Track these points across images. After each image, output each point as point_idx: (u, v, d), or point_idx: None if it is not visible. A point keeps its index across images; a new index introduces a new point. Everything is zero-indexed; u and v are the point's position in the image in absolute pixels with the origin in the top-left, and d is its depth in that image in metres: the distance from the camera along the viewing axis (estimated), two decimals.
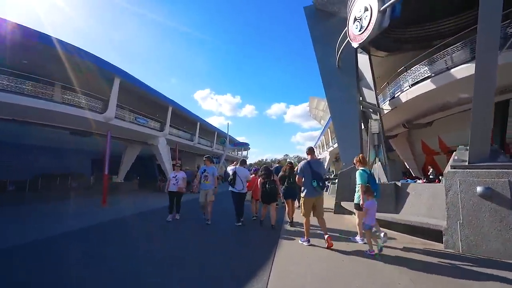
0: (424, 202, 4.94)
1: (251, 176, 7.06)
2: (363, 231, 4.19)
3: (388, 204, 5.52)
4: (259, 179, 6.49)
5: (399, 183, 5.67)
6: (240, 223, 6.16)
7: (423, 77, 8.07)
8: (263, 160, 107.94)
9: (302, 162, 4.58)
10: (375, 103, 9.13)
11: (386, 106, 10.23)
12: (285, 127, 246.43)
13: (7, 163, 16.60)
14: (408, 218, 4.83)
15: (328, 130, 28.68)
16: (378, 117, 8.77)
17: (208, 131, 29.02)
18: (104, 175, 10.11)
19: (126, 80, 13.69)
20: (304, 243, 4.38)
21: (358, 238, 4.56)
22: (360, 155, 4.78)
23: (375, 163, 6.11)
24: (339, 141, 8.83)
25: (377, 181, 4.54)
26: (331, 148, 29.52)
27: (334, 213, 7.70)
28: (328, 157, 32.90)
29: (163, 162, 17.62)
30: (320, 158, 41.77)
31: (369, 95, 9.27)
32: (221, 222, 6.77)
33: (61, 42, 10.51)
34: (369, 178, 4.25)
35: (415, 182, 7.60)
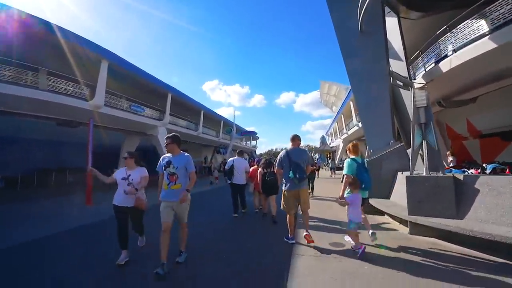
0: (509, 204, 3.31)
1: (253, 167, 6.82)
2: (348, 229, 3.60)
3: (444, 205, 3.92)
4: (260, 170, 6.11)
5: (460, 176, 4.03)
6: (236, 215, 6.09)
7: (475, 36, 6.21)
8: (272, 150, 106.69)
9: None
10: (406, 76, 7.37)
11: (418, 81, 8.41)
12: (295, 116, 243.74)
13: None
14: (482, 227, 3.24)
15: (342, 116, 26.78)
16: (410, 91, 7.05)
17: (214, 120, 27.56)
18: (88, 169, 8.76)
19: (116, 63, 12.26)
20: (288, 241, 3.98)
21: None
22: (352, 142, 4.32)
23: (423, 149, 4.49)
24: (365, 124, 7.15)
25: (368, 172, 3.94)
26: (345, 135, 27.66)
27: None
28: (341, 145, 31.05)
29: (164, 154, 16.32)
30: (333, 147, 40.17)
31: (397, 68, 7.50)
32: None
33: (39, 19, 9.12)
34: (359, 168, 3.79)
35: (463, 172, 5.93)
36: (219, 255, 3.61)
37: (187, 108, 21.58)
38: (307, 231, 3.88)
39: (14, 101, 9.22)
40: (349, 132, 25.20)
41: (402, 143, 6.16)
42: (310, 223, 4.20)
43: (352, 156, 3.96)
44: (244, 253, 3.71)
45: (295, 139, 4.18)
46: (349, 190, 3.63)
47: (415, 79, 8.60)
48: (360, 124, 19.47)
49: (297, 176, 3.81)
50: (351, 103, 20.59)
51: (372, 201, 5.81)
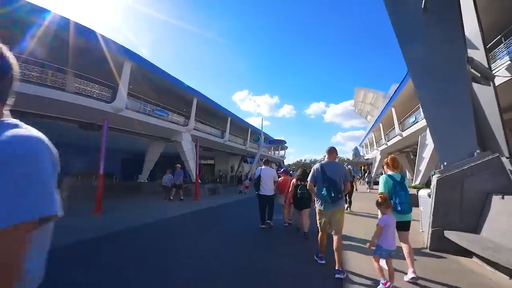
0: None
1: (282, 178, 6.50)
2: (375, 256, 2.90)
3: None
4: (293, 181, 5.76)
5: None
6: (264, 225, 5.92)
7: None
8: (301, 161, 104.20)
9: (315, 165, 3.75)
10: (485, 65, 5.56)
11: (501, 73, 6.50)
12: (325, 126, 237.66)
13: None
14: None
15: (380, 125, 24.28)
16: (491, 87, 5.24)
17: (241, 127, 26.61)
18: (99, 175, 8.03)
19: (140, 65, 11.73)
20: (318, 260, 3.69)
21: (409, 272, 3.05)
22: (390, 156, 3.58)
23: None
24: (433, 128, 5.38)
25: (406, 191, 3.17)
26: (384, 146, 25.07)
27: (430, 249, 4.40)
28: (378, 157, 28.29)
29: (187, 161, 15.55)
30: (368, 159, 37.16)
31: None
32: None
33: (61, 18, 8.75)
34: (396, 186, 3.14)
35: None
36: (239, 275, 3.35)
37: (213, 114, 20.86)
38: (339, 272, 3.22)
39: (36, 102, 8.88)
40: (389, 143, 22.69)
41: (496, 154, 4.36)
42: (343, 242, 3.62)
43: (390, 172, 3.37)
44: (267, 272, 3.44)
45: (332, 152, 3.77)
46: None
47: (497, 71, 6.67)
48: (404, 134, 17.18)
49: (332, 194, 3.34)
50: (392, 110, 18.37)
51: (449, 234, 4.11)
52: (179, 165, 12.19)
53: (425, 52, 5.37)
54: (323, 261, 3.64)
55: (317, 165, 3.71)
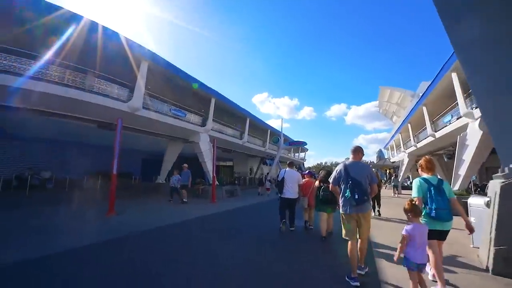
0: None
1: (305, 180, 6.26)
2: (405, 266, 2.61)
3: None
4: (316, 183, 5.67)
5: None
6: (283, 227, 5.80)
7: None
8: (321, 163, 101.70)
9: (338, 166, 3.48)
10: None
11: None
12: (346, 129, 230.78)
13: (51, 160, 16.47)
14: None
15: (409, 125, 22.66)
16: None
17: (260, 128, 26.04)
18: (112, 175, 7.76)
19: (156, 64, 11.52)
20: (350, 282, 3.04)
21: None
22: (425, 157, 3.24)
23: None
24: (491, 121, 4.45)
25: (445, 196, 2.81)
26: (412, 148, 23.39)
27: (493, 273, 3.51)
28: (406, 160, 26.53)
29: (205, 162, 15.19)
30: (394, 162, 35.15)
31: None
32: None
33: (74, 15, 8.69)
34: (431, 191, 2.84)
35: None
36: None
37: (232, 115, 20.46)
38: (361, 268, 3.27)
39: (53, 101, 8.86)
40: (419, 145, 21.07)
41: None
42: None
43: (425, 175, 3.12)
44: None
45: (358, 151, 3.50)
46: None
47: None
48: (437, 135, 15.74)
49: (356, 196, 3.11)
50: (424, 109, 16.93)
51: None
52: (186, 165, 11.63)
53: (483, 30, 4.46)
54: (357, 283, 3.02)
55: (340, 166, 3.45)
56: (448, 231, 2.93)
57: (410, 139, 24.24)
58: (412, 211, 2.65)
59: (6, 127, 13.21)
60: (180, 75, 13.08)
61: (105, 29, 9.34)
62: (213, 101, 16.13)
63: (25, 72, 8.17)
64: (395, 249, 4.39)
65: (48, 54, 8.71)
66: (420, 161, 3.25)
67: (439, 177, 3.11)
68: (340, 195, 3.36)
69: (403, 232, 2.60)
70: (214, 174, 12.39)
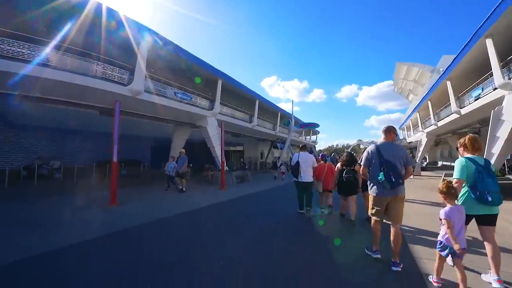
0: None
1: (319, 163, 6.16)
2: (440, 251, 2.51)
3: None
4: (337, 166, 5.52)
5: None
6: (303, 211, 5.79)
7: None
8: (333, 146, 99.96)
9: (369, 147, 3.31)
10: None
11: None
12: (357, 110, 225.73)
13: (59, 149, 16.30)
14: None
15: (429, 102, 21.20)
16: None
17: (270, 111, 25.12)
18: (113, 163, 7.23)
19: (158, 43, 10.71)
20: (370, 254, 3.26)
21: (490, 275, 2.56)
22: (469, 135, 2.90)
23: None
24: None
25: (495, 179, 2.57)
26: (432, 127, 22.01)
27: None
28: (424, 140, 25.16)
29: (213, 147, 14.60)
30: (411, 142, 33.70)
31: None
32: None
33: None
34: (479, 173, 2.55)
35: None
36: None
37: (240, 97, 19.62)
38: (396, 264, 2.90)
39: (46, 85, 8.30)
40: (440, 123, 19.72)
41: None
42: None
43: (468, 155, 2.74)
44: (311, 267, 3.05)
45: (390, 131, 3.28)
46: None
47: None
48: (462, 111, 14.46)
49: (391, 179, 2.90)
50: (448, 83, 15.53)
51: None
52: (183, 150, 10.69)
53: None
54: (378, 255, 3.21)
55: (371, 147, 3.27)
56: (497, 214, 2.62)
57: (429, 118, 22.80)
58: (449, 193, 2.46)
59: (13, 117, 12.94)
60: (183, 56, 12.24)
61: (101, 6, 8.56)
62: (220, 83, 15.29)
63: (29, 58, 7.64)
64: (428, 234, 4.25)
65: (53, 39, 8.13)
66: (462, 140, 2.91)
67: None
68: (370, 178, 3.21)
69: (443, 216, 2.42)
70: (223, 159, 11.74)
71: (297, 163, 5.68)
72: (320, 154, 7.28)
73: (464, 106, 14.45)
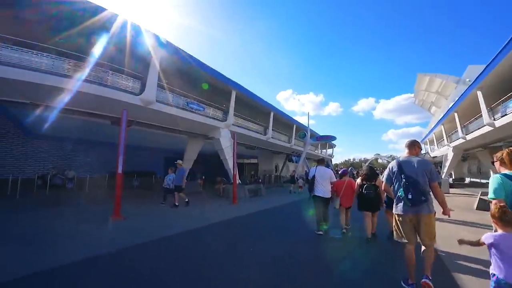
0: None
1: (339, 179, 5.87)
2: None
3: None
4: (357, 181, 5.22)
5: None
6: (321, 232, 5.27)
7: None
8: (349, 160, 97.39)
9: (392, 162, 3.16)
10: None
11: None
12: (375, 124, 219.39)
13: (76, 160, 16.41)
14: None
15: (455, 114, 19.88)
16: None
17: (285, 123, 24.54)
18: (117, 175, 6.83)
19: (171, 53, 10.57)
20: (406, 287, 2.82)
21: None
22: (508, 149, 2.43)
23: None
24: None
25: None
26: (459, 141, 20.56)
27: None
28: (450, 155, 23.55)
29: (226, 159, 14.12)
30: (435, 157, 31.83)
31: None
32: None
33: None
34: None
35: None
36: None
37: (254, 109, 19.24)
38: (427, 277, 2.68)
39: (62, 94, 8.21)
40: (469, 137, 18.31)
41: None
42: None
43: (506, 171, 2.32)
44: None
45: (414, 145, 3.12)
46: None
47: None
48: (497, 123, 13.23)
49: (410, 196, 2.74)
50: (478, 93, 14.40)
51: None
52: (180, 162, 9.69)
53: None
54: None
55: (393, 163, 3.15)
56: None
57: (456, 131, 21.32)
58: (503, 220, 2.00)
59: (31, 126, 13.14)
60: (196, 65, 12.05)
61: (115, 16, 8.51)
62: (233, 94, 14.99)
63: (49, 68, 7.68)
64: (466, 258, 3.81)
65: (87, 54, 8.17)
66: (499, 153, 2.57)
67: None
68: (394, 195, 3.03)
69: (487, 241, 2.01)
70: (235, 172, 11.17)
71: (314, 177, 5.44)
72: (341, 170, 6.83)
73: (499, 118, 13.22)
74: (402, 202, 2.85)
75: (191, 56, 11.46)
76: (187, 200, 9.20)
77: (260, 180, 17.05)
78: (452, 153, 23.40)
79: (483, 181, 26.27)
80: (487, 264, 2.06)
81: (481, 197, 9.75)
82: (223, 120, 14.66)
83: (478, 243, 2.08)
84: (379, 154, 72.37)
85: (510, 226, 2.02)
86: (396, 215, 2.99)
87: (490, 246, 2.01)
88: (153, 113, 10.60)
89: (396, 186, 2.99)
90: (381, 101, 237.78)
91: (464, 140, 19.54)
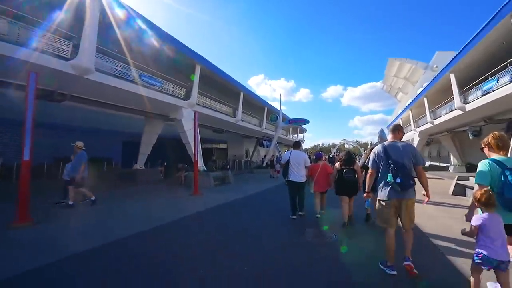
0: None
1: (314, 162, 5.79)
2: (474, 267, 2.24)
3: None
4: (336, 165, 5.13)
5: None
6: (295, 216, 5.29)
7: None
8: (318, 145, 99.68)
9: (376, 147, 3.08)
10: None
11: None
12: (342, 110, 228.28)
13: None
14: None
15: (425, 99, 19.91)
16: None
17: (256, 106, 23.13)
18: (22, 163, 4.91)
19: (115, 8, 8.43)
20: (386, 270, 2.81)
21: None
22: (493, 133, 2.51)
23: None
24: None
25: None
26: (427, 126, 20.84)
27: None
28: (416, 139, 24.08)
29: (189, 143, 12.43)
30: (409, 140, 32.77)
31: None
32: None
33: None
34: (507, 176, 2.20)
35: None
36: None
37: (223, 89, 17.50)
38: (408, 259, 2.77)
39: None
40: (437, 121, 18.46)
41: None
42: None
43: (495, 156, 2.38)
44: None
45: (397, 130, 3.08)
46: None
47: None
48: (468, 107, 13.09)
49: (399, 181, 2.71)
50: (451, 76, 14.14)
51: None
52: (80, 144, 6.61)
53: None
54: (394, 272, 2.74)
55: (378, 148, 3.01)
56: None
57: (423, 116, 21.62)
58: (483, 200, 2.15)
59: None
60: (150, 29, 9.99)
61: None
62: (198, 68, 13.09)
63: None
64: (450, 239, 3.97)
65: None
66: (486, 139, 2.51)
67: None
68: (379, 179, 2.96)
69: (474, 223, 2.18)
70: (197, 158, 9.58)
71: (288, 161, 5.40)
72: (315, 153, 6.59)
73: (470, 102, 13.08)
74: (390, 187, 2.78)
75: (141, 16, 9.37)
76: (93, 198, 6.66)
77: (228, 166, 15.61)
78: (418, 138, 23.94)
79: (443, 164, 27.59)
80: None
81: (458, 181, 9.37)
82: (185, 98, 12.82)
83: (472, 231, 2.19)
84: (345, 140, 74.75)
85: (494, 207, 2.17)
86: (380, 201, 2.93)
87: (479, 227, 2.15)
88: (94, 85, 8.53)
89: (382, 171, 2.93)
90: (348, 89, 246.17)
91: (432, 125, 19.78)
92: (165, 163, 15.67)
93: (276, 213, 5.99)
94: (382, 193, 2.87)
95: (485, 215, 2.17)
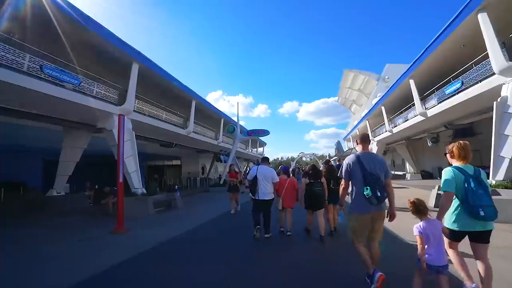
0: None
1: (280, 177, 5.35)
2: (418, 270, 2.37)
3: None
4: (303, 180, 5.05)
5: None
6: (257, 234, 4.87)
7: None
8: (278, 159, 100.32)
9: (349, 158, 2.90)
10: None
11: None
12: (298, 125, 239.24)
13: None
14: None
15: (382, 108, 19.91)
16: None
17: (211, 117, 20.95)
18: None
19: None
20: (371, 279, 2.64)
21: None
22: (458, 142, 2.53)
23: None
24: None
25: (487, 190, 2.25)
26: (385, 135, 20.86)
27: None
28: (375, 149, 24.13)
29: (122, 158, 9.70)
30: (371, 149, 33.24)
31: None
32: None
33: None
34: (471, 183, 2.24)
35: None
36: None
37: (172, 96, 15.07)
38: (378, 270, 2.64)
39: None
40: (396, 130, 18.39)
41: None
42: None
43: (457, 164, 2.44)
44: None
45: (367, 140, 2.99)
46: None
47: None
48: (430, 113, 12.77)
49: (378, 194, 2.60)
50: (411, 82, 13.90)
51: None
52: None
53: None
54: (379, 273, 2.63)
55: (351, 158, 2.84)
56: (491, 231, 2.29)
57: (381, 125, 21.71)
58: (417, 211, 2.37)
59: None
60: (64, 12, 7.43)
61: None
62: (135, 68, 10.61)
63: None
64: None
65: None
66: (449, 147, 2.56)
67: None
68: (352, 191, 2.86)
69: (416, 233, 2.30)
70: (121, 180, 6.91)
71: (255, 178, 4.98)
72: (281, 167, 6.34)
73: (431, 108, 12.80)
74: (367, 201, 2.62)
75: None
76: None
77: (177, 187, 12.92)
78: (377, 147, 24.05)
79: (398, 172, 28.31)
80: None
81: (439, 192, 8.35)
82: (119, 103, 10.19)
83: (420, 241, 2.27)
84: (303, 153, 75.97)
85: (425, 214, 2.35)
86: (356, 215, 2.78)
87: (420, 234, 2.27)
88: None
89: (357, 184, 2.76)
90: (303, 104, 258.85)
91: (391, 134, 19.76)
92: (96, 186, 12.44)
93: (238, 251, 3.92)
94: (357, 207, 2.74)
95: (422, 222, 2.33)
